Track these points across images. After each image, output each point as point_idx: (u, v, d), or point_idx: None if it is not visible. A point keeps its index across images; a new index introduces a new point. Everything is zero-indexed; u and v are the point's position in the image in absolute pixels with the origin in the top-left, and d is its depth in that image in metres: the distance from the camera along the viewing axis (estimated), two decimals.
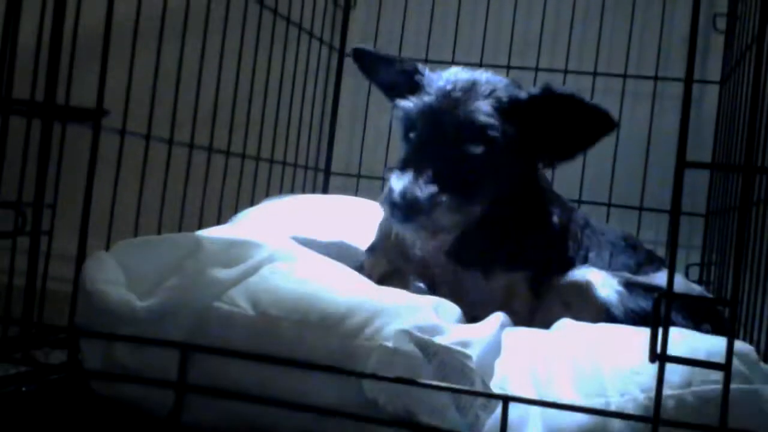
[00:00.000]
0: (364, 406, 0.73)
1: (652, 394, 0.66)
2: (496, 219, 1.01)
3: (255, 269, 0.87)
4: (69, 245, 0.87)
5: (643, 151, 1.55)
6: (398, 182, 0.93)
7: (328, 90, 1.77)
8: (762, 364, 0.78)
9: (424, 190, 0.92)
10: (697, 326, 0.96)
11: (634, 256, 1.13)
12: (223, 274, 0.84)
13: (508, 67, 1.59)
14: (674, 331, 0.68)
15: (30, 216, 0.87)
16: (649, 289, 0.98)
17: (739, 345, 0.78)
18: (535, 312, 1.01)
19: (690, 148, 0.65)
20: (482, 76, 1.01)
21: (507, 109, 0.98)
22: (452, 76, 1.01)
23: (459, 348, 0.73)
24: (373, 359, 0.74)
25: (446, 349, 0.72)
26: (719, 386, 0.64)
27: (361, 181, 1.70)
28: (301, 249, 0.99)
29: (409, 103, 1.00)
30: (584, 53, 1.63)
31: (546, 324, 0.94)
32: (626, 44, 1.59)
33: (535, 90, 1.00)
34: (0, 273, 0.88)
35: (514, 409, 0.70)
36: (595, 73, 1.59)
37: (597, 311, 0.96)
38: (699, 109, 1.59)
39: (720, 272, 1.37)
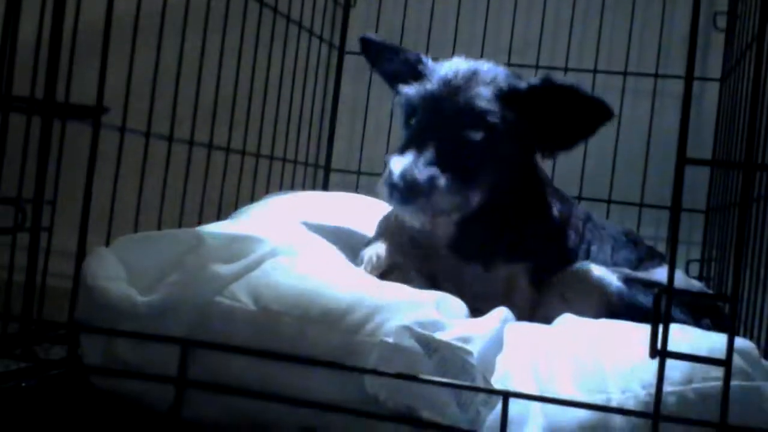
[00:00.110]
0: (365, 401, 0.73)
1: (653, 390, 0.66)
2: (496, 209, 1.01)
3: (257, 264, 0.87)
4: (69, 242, 0.87)
5: (643, 147, 1.55)
6: (398, 164, 0.93)
7: (328, 87, 1.76)
8: (763, 360, 0.78)
9: (424, 171, 0.92)
10: (697, 322, 0.96)
11: (635, 251, 1.14)
12: (224, 269, 0.84)
13: (509, 65, 1.58)
14: (675, 328, 0.68)
15: (30, 212, 0.87)
16: (649, 284, 0.98)
17: (740, 342, 0.78)
18: (536, 306, 1.01)
19: (690, 145, 0.65)
20: (483, 65, 1.02)
21: (507, 97, 0.98)
22: (454, 65, 1.02)
23: (460, 344, 0.73)
24: (374, 355, 0.74)
25: (447, 345, 0.72)
26: (720, 383, 0.64)
27: (361, 178, 1.70)
28: (304, 241, 0.99)
29: (411, 90, 1.01)
30: (584, 51, 1.63)
31: (547, 318, 0.95)
32: (626, 42, 1.59)
33: (535, 80, 1.00)
34: (0, 269, 0.88)
35: (514, 404, 0.70)
36: (595, 71, 1.59)
37: (597, 304, 0.96)
38: (699, 107, 1.59)
39: (720, 268, 1.37)
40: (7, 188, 0.85)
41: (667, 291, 0.64)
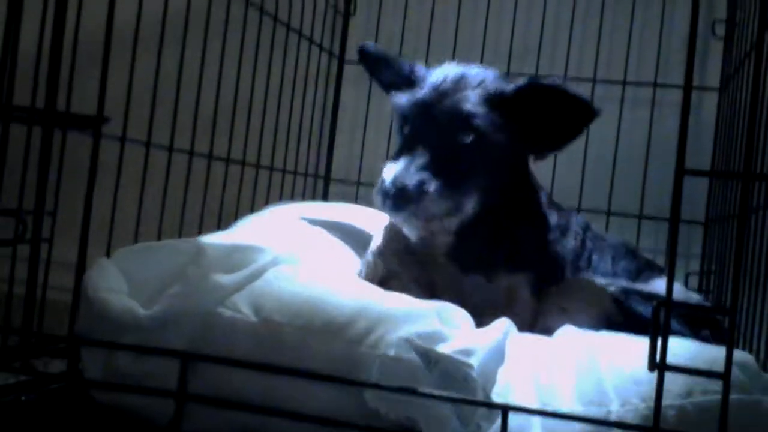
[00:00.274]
0: (366, 415, 0.73)
1: (653, 403, 0.66)
2: (493, 216, 1.01)
3: (259, 273, 0.87)
4: (69, 253, 0.87)
5: (642, 158, 1.55)
6: (389, 171, 0.94)
7: (327, 97, 1.76)
8: (762, 373, 0.78)
9: (414, 177, 0.93)
10: (696, 334, 0.96)
11: (634, 262, 1.14)
12: (225, 279, 0.84)
13: (508, 74, 1.59)
14: (674, 341, 0.68)
15: (30, 223, 0.87)
16: (647, 297, 0.98)
17: (739, 354, 0.78)
18: (537, 316, 1.01)
19: (689, 155, 0.65)
20: (472, 70, 1.03)
21: (494, 99, 0.99)
22: (444, 71, 1.03)
23: (460, 357, 0.73)
24: (375, 368, 0.74)
25: (448, 358, 0.72)
26: (720, 396, 0.64)
27: (360, 189, 1.69)
28: (306, 249, 0.99)
29: (402, 97, 1.02)
30: (583, 60, 1.63)
31: (547, 328, 0.95)
32: (625, 51, 1.59)
33: (521, 82, 1.01)
34: (0, 281, 0.88)
35: (515, 417, 0.70)
36: (594, 80, 1.59)
37: (597, 315, 0.96)
38: (698, 116, 1.59)
39: (719, 280, 1.37)
40: (7, 199, 0.84)
41: (665, 303, 0.64)
